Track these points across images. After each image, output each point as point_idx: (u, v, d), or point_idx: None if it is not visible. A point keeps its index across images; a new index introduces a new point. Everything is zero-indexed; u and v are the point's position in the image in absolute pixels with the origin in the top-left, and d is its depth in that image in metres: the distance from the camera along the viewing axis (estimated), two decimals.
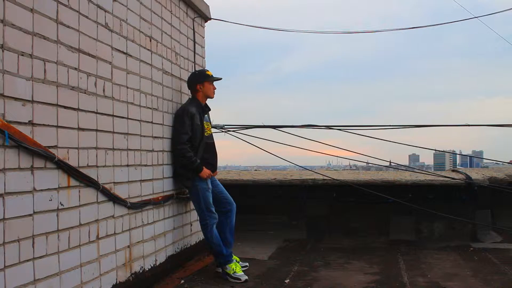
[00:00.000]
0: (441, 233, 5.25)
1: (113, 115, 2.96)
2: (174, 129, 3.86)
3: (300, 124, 5.61)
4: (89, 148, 2.69)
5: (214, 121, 5.31)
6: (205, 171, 3.77)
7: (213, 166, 3.93)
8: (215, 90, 3.98)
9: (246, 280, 3.69)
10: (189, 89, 3.99)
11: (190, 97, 4.00)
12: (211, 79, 3.92)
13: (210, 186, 3.85)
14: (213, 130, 4.29)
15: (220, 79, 3.98)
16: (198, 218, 3.97)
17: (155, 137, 3.58)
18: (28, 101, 2.19)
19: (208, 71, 3.96)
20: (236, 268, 3.78)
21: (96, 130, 2.77)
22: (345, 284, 3.61)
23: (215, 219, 3.85)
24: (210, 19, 4.83)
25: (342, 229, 5.48)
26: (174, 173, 3.86)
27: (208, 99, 3.97)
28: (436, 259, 4.42)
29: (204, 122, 3.91)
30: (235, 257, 3.94)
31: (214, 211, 3.84)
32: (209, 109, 4.05)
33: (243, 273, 3.77)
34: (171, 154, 3.85)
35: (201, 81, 3.88)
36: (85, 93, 2.66)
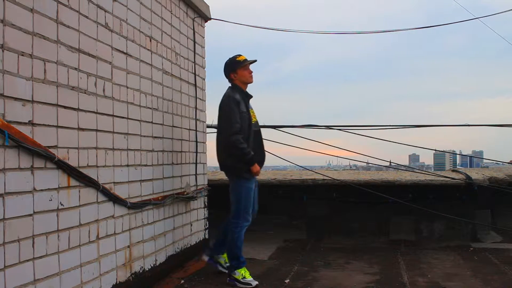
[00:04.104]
0: (441, 233, 5.25)
1: (113, 115, 2.97)
2: (222, 120, 3.63)
3: (300, 124, 5.63)
4: (89, 148, 2.69)
5: (213, 122, 5.32)
6: (256, 167, 3.56)
7: (260, 162, 3.68)
8: (252, 74, 3.72)
9: (257, 286, 3.51)
10: (226, 78, 3.76)
11: (230, 85, 3.74)
12: (244, 64, 3.67)
13: (253, 187, 3.65)
14: (213, 130, 4.26)
15: (254, 61, 3.73)
16: (232, 214, 3.68)
17: (155, 137, 3.58)
18: (28, 101, 2.19)
19: (240, 56, 3.71)
20: (246, 273, 3.59)
21: (96, 130, 2.77)
22: (345, 284, 3.61)
23: (248, 221, 3.66)
24: (210, 19, 4.83)
25: (342, 229, 5.48)
26: (222, 167, 3.68)
27: (248, 84, 3.74)
28: (436, 259, 4.42)
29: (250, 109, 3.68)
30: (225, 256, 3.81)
31: (250, 213, 3.66)
32: (251, 96, 3.77)
33: (252, 278, 3.58)
34: (171, 154, 3.85)
35: (234, 69, 3.67)
36: (85, 93, 2.66)
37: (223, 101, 3.65)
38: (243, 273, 3.58)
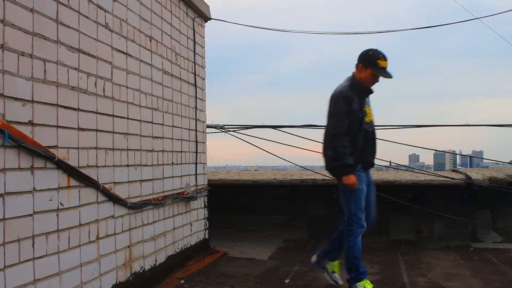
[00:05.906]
0: (441, 233, 5.25)
1: (113, 115, 2.97)
2: (328, 116, 3.25)
3: (300, 124, 5.62)
4: (89, 148, 2.69)
5: (213, 121, 5.30)
6: (351, 178, 3.11)
7: (369, 163, 3.36)
8: (375, 83, 3.30)
9: None
10: (356, 63, 3.33)
11: (350, 75, 3.35)
12: (378, 71, 3.23)
13: (364, 187, 3.26)
14: (212, 130, 4.24)
15: (390, 77, 3.27)
16: (344, 221, 3.33)
17: (155, 137, 3.58)
18: (28, 101, 2.19)
19: (384, 60, 3.23)
20: (368, 286, 3.28)
21: (96, 130, 2.77)
22: (345, 284, 3.61)
23: (362, 227, 3.24)
24: (210, 19, 4.83)
25: None
26: (326, 167, 3.33)
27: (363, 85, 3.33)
28: (436, 259, 4.42)
29: (366, 106, 3.31)
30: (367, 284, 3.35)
31: (363, 217, 3.24)
32: (371, 92, 3.36)
33: None
34: (171, 154, 3.85)
35: (367, 65, 3.22)
36: (85, 93, 2.66)
37: (333, 96, 3.25)
38: (364, 285, 3.28)
